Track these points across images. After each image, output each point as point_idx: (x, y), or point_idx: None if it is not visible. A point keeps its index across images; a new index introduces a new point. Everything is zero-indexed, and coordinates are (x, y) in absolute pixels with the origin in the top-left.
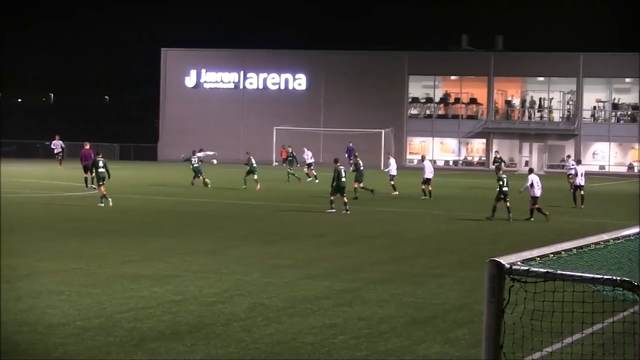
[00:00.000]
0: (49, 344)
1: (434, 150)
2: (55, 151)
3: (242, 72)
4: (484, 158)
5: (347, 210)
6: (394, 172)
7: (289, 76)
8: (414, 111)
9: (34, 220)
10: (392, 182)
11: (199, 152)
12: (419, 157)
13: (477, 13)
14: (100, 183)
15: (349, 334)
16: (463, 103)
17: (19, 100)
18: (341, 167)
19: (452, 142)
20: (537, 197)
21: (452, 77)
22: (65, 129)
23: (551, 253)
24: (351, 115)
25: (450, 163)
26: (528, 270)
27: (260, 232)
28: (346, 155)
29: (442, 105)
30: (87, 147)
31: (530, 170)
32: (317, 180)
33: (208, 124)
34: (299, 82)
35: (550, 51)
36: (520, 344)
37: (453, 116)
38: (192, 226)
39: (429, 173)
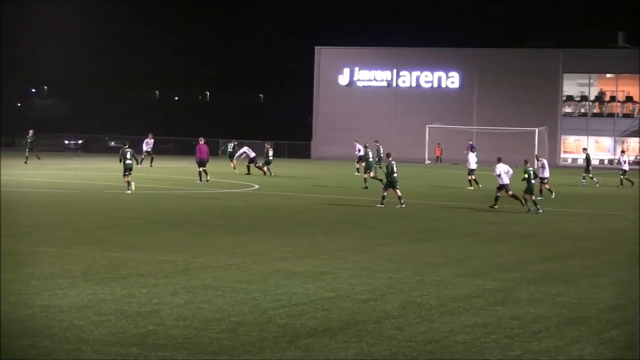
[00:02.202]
0: (205, 339)
1: (589, 149)
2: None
3: (395, 70)
4: (639, 157)
5: (402, 204)
6: (473, 165)
7: (442, 74)
8: (568, 109)
9: (192, 217)
10: (471, 177)
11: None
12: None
13: (635, 9)
14: (127, 173)
15: (501, 334)
16: (619, 101)
17: (176, 98)
18: (393, 162)
19: (607, 141)
20: (505, 184)
21: (608, 75)
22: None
23: None
24: (504, 113)
25: (605, 162)
26: None
27: (411, 230)
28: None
29: (597, 103)
30: (202, 142)
31: (499, 160)
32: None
33: (361, 122)
34: (452, 80)
35: None
36: None
37: (608, 114)
38: (344, 223)
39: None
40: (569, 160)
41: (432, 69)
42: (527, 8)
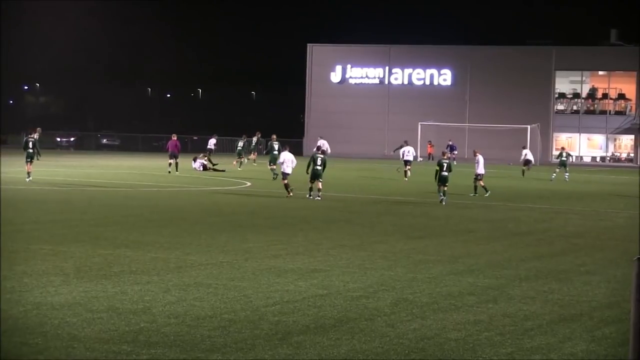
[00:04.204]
0: (197, 336)
1: (581, 146)
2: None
3: (387, 68)
4: (632, 154)
5: (318, 197)
6: (481, 170)
7: (434, 71)
8: (560, 107)
9: (185, 214)
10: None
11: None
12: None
13: (627, 6)
14: (29, 161)
15: (493, 331)
16: (611, 98)
17: (169, 95)
18: (318, 156)
19: (599, 138)
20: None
21: (600, 72)
22: (212, 124)
23: None
24: (496, 110)
25: (598, 159)
26: None
27: (405, 227)
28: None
29: (589, 100)
30: (174, 137)
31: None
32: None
33: (353, 119)
34: (444, 77)
35: None
36: None
37: (601, 112)
38: (338, 221)
39: (481, 168)
40: None
41: (425, 66)
42: (519, 5)
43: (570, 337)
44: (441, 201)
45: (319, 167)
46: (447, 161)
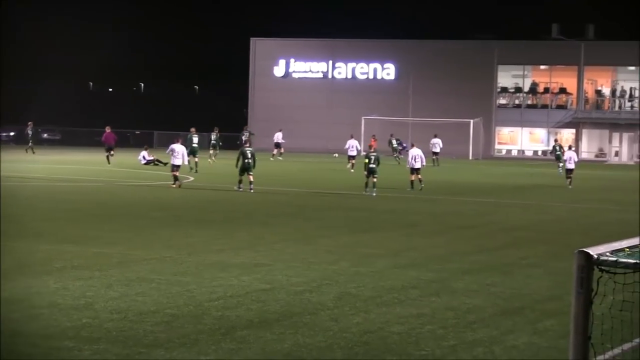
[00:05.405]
0: (140, 332)
1: (523, 140)
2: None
3: (330, 62)
4: (573, 148)
5: (250, 189)
6: (418, 164)
7: (377, 66)
8: (502, 101)
9: (129, 209)
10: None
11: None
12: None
13: (568, 1)
14: None
15: (436, 324)
16: (552, 93)
17: (110, 89)
18: (247, 148)
19: (541, 132)
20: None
21: (542, 67)
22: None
23: None
24: (440, 105)
25: (539, 153)
26: (616, 261)
27: (350, 221)
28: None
29: (531, 95)
30: (109, 130)
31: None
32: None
33: (297, 114)
34: (388, 71)
35: None
36: (609, 335)
37: (542, 106)
38: (283, 216)
39: (415, 162)
40: (503, 152)
41: (368, 60)
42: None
43: (513, 330)
44: (369, 193)
45: (249, 161)
46: (375, 154)
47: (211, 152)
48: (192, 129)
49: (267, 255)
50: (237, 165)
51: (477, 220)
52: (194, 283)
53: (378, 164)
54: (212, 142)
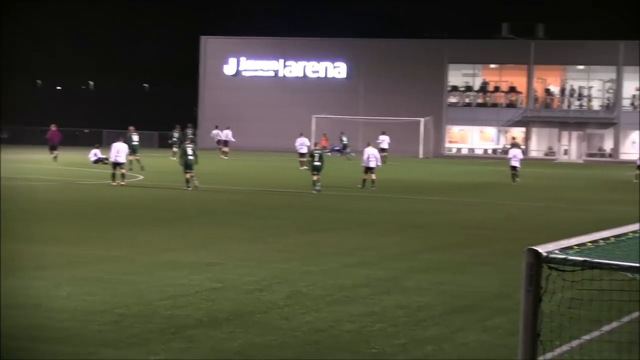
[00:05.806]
0: (88, 331)
1: (473, 139)
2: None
3: (281, 60)
4: (523, 146)
5: (187, 187)
6: (372, 163)
7: (328, 64)
8: (453, 99)
9: (78, 208)
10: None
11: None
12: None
13: (518, 1)
14: None
15: (387, 322)
16: (502, 91)
17: (58, 87)
18: (188, 145)
19: (491, 131)
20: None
21: (492, 66)
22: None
23: (589, 241)
24: (390, 103)
25: (490, 151)
26: (565, 258)
27: (302, 220)
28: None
29: (481, 93)
30: (54, 128)
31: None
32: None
33: (248, 112)
34: (339, 70)
35: (591, 39)
36: (558, 332)
37: (492, 105)
38: (235, 215)
39: (370, 161)
40: (454, 150)
41: (319, 59)
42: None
43: (463, 328)
44: (315, 190)
45: (191, 157)
46: (320, 151)
47: (174, 149)
48: (131, 128)
49: (218, 255)
50: (180, 163)
51: (430, 218)
52: (144, 282)
53: (322, 162)
54: (174, 139)
